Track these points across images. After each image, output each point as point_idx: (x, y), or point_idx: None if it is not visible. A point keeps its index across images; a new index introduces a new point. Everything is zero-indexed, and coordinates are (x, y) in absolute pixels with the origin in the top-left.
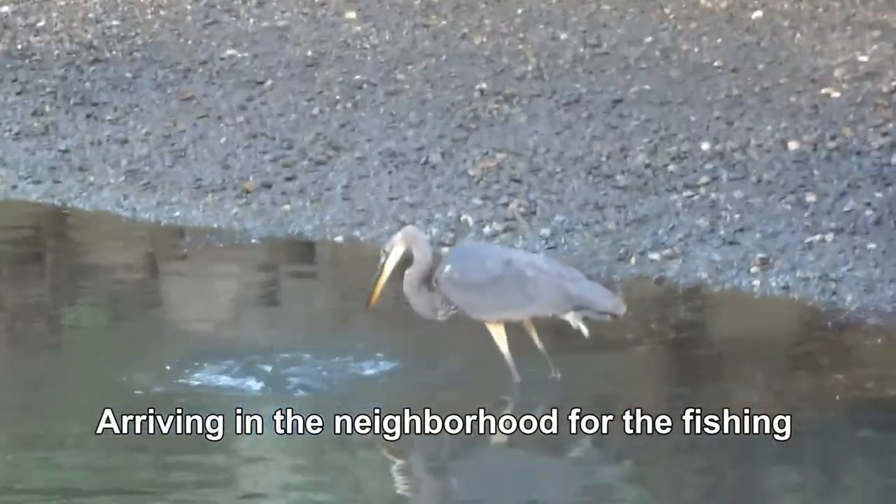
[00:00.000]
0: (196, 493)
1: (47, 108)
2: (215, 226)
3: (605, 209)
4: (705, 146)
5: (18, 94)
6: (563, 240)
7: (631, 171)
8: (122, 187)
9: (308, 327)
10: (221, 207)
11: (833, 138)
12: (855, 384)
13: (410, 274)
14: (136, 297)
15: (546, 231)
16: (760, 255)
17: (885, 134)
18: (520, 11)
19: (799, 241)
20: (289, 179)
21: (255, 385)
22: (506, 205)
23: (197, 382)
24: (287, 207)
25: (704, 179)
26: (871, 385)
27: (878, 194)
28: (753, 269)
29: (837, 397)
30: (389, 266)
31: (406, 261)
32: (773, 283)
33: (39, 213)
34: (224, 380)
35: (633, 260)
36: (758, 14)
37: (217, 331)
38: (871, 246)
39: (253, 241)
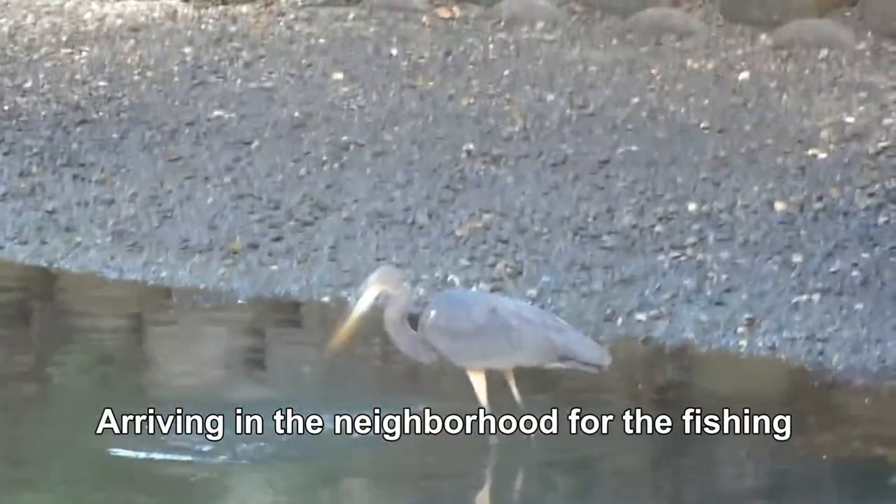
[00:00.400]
0: None
1: (34, 169)
2: (202, 286)
3: (591, 269)
4: (692, 207)
5: (5, 154)
6: (549, 300)
7: (617, 231)
8: (108, 248)
9: (295, 387)
10: (208, 268)
11: (820, 199)
12: (842, 444)
13: (390, 313)
14: (122, 357)
15: (532, 291)
16: (747, 315)
17: (871, 195)
18: (507, 73)
19: (786, 301)
20: (276, 240)
21: (240, 444)
22: (493, 265)
23: (184, 442)
24: (274, 268)
25: (691, 240)
26: (857, 444)
27: (865, 255)
28: (740, 330)
29: (825, 457)
30: (362, 307)
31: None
32: (760, 344)
33: (26, 274)
34: (210, 439)
35: (619, 320)
36: (744, 75)
37: (204, 391)
38: (858, 306)
39: (240, 301)
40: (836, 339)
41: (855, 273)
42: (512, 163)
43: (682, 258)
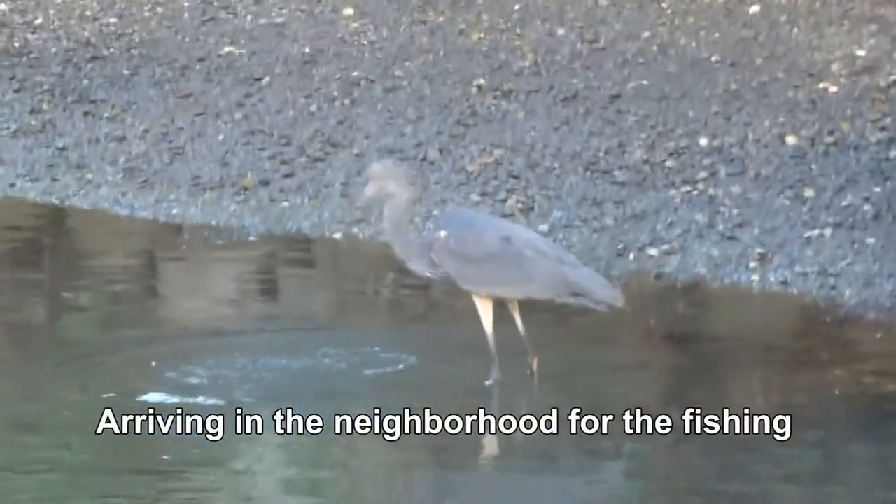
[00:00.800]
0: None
1: (45, 106)
2: (213, 223)
3: (603, 205)
4: (703, 141)
5: (16, 91)
6: (561, 235)
7: (629, 166)
8: (120, 185)
9: (307, 324)
10: (220, 204)
11: (831, 133)
12: (854, 379)
13: (388, 212)
14: (134, 294)
15: (544, 227)
16: (759, 250)
17: (882, 129)
18: (517, 7)
19: (797, 235)
20: (287, 176)
21: (254, 382)
22: (504, 200)
23: (197, 380)
24: (285, 204)
25: (702, 175)
26: (870, 379)
27: (877, 189)
28: (752, 265)
29: (837, 392)
30: (363, 199)
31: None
32: (772, 278)
33: (38, 211)
34: (224, 376)
35: (631, 255)
36: (755, 8)
37: (217, 328)
38: (870, 241)
39: (251, 238)
40: (847, 273)
41: (866, 207)
42: (523, 98)
43: (694, 193)
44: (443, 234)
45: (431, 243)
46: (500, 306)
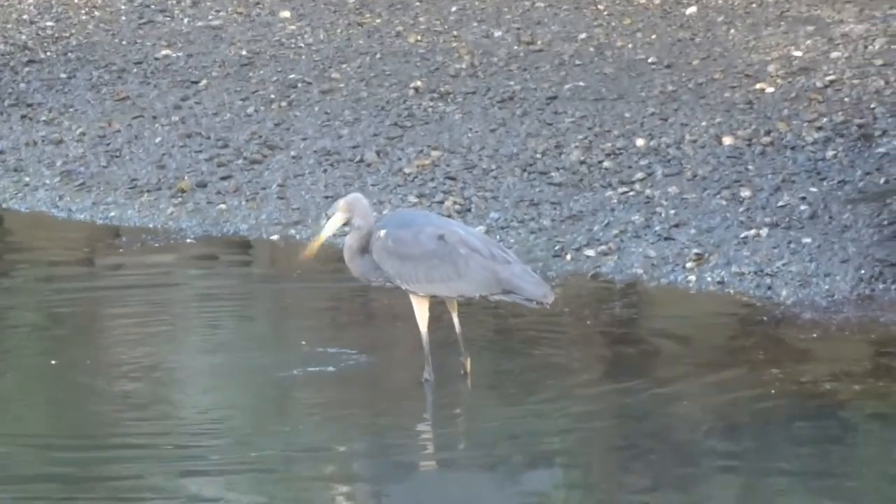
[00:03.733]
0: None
1: None
2: (151, 225)
3: (540, 206)
4: (640, 142)
5: None
6: (498, 236)
7: (566, 167)
8: (57, 188)
9: (245, 326)
10: (157, 207)
11: (767, 133)
12: (790, 378)
13: (350, 240)
14: (72, 297)
15: (481, 228)
16: (696, 250)
17: (819, 129)
18: (454, 9)
19: (734, 236)
20: (224, 179)
21: (195, 387)
22: (441, 202)
23: (138, 384)
24: (223, 206)
25: (639, 175)
26: (806, 378)
27: (813, 189)
28: (689, 265)
29: (773, 391)
30: (329, 230)
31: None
32: (709, 278)
33: None
34: (163, 380)
35: (568, 256)
36: (692, 10)
37: (154, 330)
38: (806, 240)
39: (189, 240)
40: (784, 273)
41: (803, 207)
42: (460, 99)
43: (631, 193)
44: (382, 233)
45: (373, 244)
46: (439, 307)
